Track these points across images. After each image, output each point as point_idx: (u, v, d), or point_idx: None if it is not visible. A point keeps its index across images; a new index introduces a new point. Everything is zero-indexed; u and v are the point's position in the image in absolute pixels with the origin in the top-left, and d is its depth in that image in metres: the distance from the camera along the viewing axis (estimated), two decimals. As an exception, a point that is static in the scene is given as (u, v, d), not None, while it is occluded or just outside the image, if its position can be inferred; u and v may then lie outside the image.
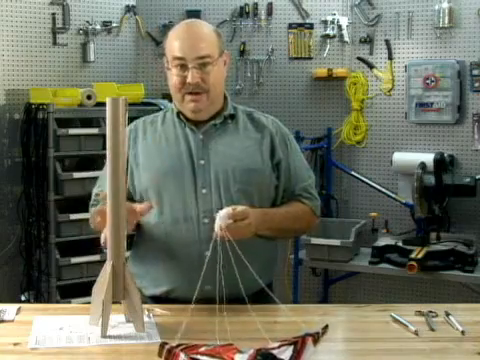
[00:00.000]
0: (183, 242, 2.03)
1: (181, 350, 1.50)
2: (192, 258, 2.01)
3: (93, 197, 2.19)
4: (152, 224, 2.08)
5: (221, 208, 1.98)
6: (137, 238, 2.15)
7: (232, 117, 2.14)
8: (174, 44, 2.04)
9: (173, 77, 2.05)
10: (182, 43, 2.03)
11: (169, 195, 2.05)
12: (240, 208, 1.89)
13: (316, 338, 1.50)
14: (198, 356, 1.47)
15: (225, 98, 2.16)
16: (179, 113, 2.12)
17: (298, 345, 1.46)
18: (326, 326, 1.52)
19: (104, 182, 2.05)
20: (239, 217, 1.87)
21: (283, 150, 2.14)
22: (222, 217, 1.84)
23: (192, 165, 2.06)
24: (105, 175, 2.05)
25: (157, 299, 2.07)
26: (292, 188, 2.15)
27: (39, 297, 3.97)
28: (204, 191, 2.03)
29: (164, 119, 2.16)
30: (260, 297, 2.01)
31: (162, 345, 1.53)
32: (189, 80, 2.01)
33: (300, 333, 1.57)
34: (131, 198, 2.10)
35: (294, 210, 2.13)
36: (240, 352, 1.48)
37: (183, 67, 2.02)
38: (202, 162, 2.06)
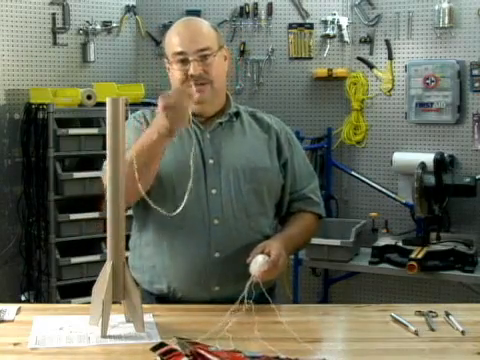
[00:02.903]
0: (192, 243, 2.01)
1: (189, 342, 1.48)
2: (201, 259, 2.01)
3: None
4: (161, 220, 2.03)
5: (232, 209, 2.00)
6: (142, 231, 2.12)
7: (237, 115, 2.14)
8: (173, 40, 2.05)
9: (175, 72, 2.05)
10: (181, 38, 2.03)
11: (180, 193, 1.99)
12: (274, 252, 1.90)
13: None
14: (208, 355, 1.45)
15: (227, 97, 2.16)
16: None
17: None
18: None
19: None
20: (277, 261, 1.89)
21: (288, 149, 2.15)
22: (260, 264, 1.86)
23: (203, 164, 2.04)
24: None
25: (158, 297, 2.06)
26: (300, 190, 2.16)
27: (39, 297, 3.97)
28: (214, 192, 2.02)
29: None
30: (264, 298, 2.01)
31: (160, 345, 1.52)
32: (191, 72, 2.01)
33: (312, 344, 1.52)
34: None
35: (304, 223, 2.16)
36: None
37: (184, 61, 2.02)
38: (211, 161, 2.05)
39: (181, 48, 2.02)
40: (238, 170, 2.05)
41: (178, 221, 1.99)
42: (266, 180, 2.08)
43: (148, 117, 2.13)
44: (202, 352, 1.45)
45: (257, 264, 1.86)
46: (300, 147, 2.24)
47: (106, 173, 1.86)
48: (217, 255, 2.00)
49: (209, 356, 1.44)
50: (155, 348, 1.52)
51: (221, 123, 2.11)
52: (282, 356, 1.49)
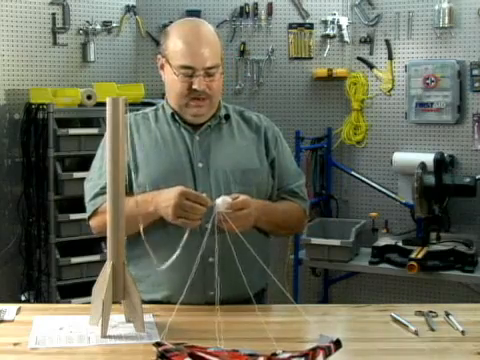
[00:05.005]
0: (186, 249, 1.99)
1: (187, 346, 1.49)
2: (195, 265, 2.00)
3: (92, 194, 2.11)
4: (153, 228, 2.03)
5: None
6: (134, 240, 2.08)
7: (226, 117, 2.14)
8: (180, 48, 2.03)
9: (177, 83, 2.04)
10: (191, 51, 2.01)
11: None
12: (241, 198, 1.89)
13: (327, 353, 1.46)
14: (207, 356, 1.45)
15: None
16: (173, 114, 2.11)
17: (309, 357, 1.44)
18: (338, 341, 1.50)
19: (96, 176, 2.06)
20: (239, 207, 1.87)
21: (274, 148, 2.15)
22: (220, 205, 1.83)
23: (191, 168, 2.04)
24: (96, 168, 2.10)
25: (156, 304, 2.05)
26: (287, 186, 2.16)
27: (39, 297, 3.97)
28: (204, 195, 2.00)
29: (156, 117, 2.14)
30: (259, 298, 2.01)
31: (158, 344, 1.52)
32: (196, 87, 2.01)
33: (312, 344, 1.53)
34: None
35: (290, 207, 2.14)
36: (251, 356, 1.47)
37: (190, 74, 2.02)
38: (201, 165, 2.05)
39: (190, 63, 2.01)
40: (227, 172, 2.04)
41: (170, 227, 1.99)
42: (256, 181, 2.07)
43: (132, 123, 2.11)
44: (200, 354, 1.45)
45: (217, 205, 1.83)
46: (287, 146, 2.23)
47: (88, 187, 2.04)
48: (211, 260, 1.99)
49: (208, 357, 1.44)
50: (158, 344, 1.51)
51: (210, 126, 2.11)
52: (280, 351, 1.48)
